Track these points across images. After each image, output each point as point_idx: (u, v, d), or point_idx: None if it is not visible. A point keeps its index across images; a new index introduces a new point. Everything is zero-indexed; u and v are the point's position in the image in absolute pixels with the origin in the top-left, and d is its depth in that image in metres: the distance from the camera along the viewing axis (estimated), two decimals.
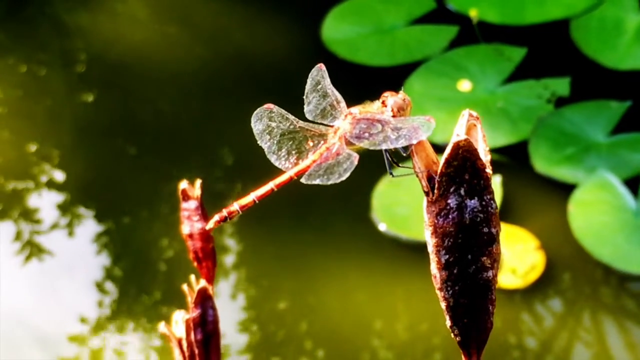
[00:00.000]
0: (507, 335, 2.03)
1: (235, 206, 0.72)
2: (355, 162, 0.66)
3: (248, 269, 2.23)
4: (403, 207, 2.20)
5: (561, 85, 2.43)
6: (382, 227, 2.18)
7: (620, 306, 2.10)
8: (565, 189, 2.22)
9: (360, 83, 2.46)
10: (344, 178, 0.66)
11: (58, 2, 2.77)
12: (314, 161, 0.69)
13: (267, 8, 2.78)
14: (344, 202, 2.26)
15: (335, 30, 2.63)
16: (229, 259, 2.23)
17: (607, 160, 2.27)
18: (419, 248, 2.14)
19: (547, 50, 2.58)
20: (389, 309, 2.12)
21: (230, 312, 2.12)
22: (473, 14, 2.59)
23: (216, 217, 0.72)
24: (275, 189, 0.71)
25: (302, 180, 0.68)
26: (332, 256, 2.20)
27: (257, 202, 0.72)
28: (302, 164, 0.70)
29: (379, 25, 2.65)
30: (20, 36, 2.75)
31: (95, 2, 2.79)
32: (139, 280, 2.21)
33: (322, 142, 0.70)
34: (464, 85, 2.44)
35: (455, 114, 2.29)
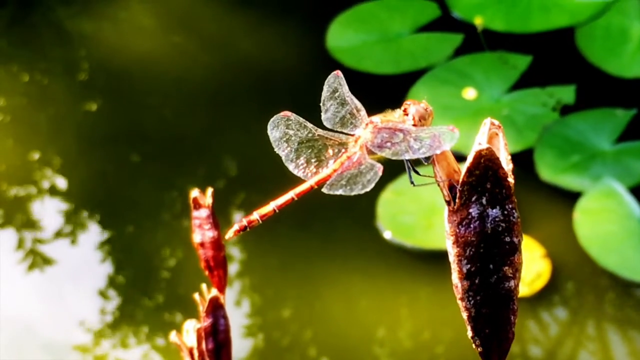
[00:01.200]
0: (513, 343, 2.02)
1: (255, 215, 0.71)
2: (380, 173, 0.65)
3: (253, 276, 2.23)
4: (408, 215, 2.19)
5: (566, 93, 2.43)
6: (387, 235, 2.17)
7: (625, 315, 2.10)
8: (571, 197, 2.21)
9: (366, 91, 2.45)
10: (368, 189, 0.65)
11: (61, 10, 2.77)
12: (335, 170, 0.68)
13: (272, 16, 2.78)
14: (349, 209, 2.26)
15: (340, 38, 2.63)
16: (234, 267, 2.22)
17: (613, 168, 2.26)
18: (424, 256, 2.14)
19: (552, 58, 2.58)
20: (394, 316, 2.11)
21: (235, 318, 2.11)
22: (478, 21, 2.59)
23: (235, 227, 0.71)
24: (296, 198, 0.71)
25: (324, 190, 0.68)
26: (337, 264, 2.19)
27: (277, 211, 0.72)
28: (323, 173, 0.69)
29: (384, 33, 2.65)
30: (23, 44, 2.75)
31: (98, 10, 2.79)
32: (142, 288, 2.20)
33: (342, 151, 0.69)
34: (469, 93, 2.43)
35: (460, 122, 2.29)
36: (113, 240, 2.28)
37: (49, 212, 2.34)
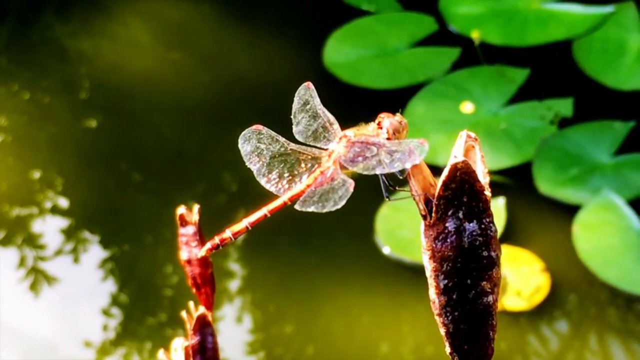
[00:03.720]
0: (513, 358, 2.02)
1: (227, 233, 0.71)
2: (351, 189, 0.65)
3: (253, 292, 2.22)
4: (407, 230, 2.19)
5: (564, 106, 2.42)
6: (385, 250, 2.17)
7: (626, 328, 2.09)
8: (570, 211, 2.21)
9: (363, 106, 2.46)
10: (339, 206, 0.65)
11: (60, 28, 2.78)
12: (308, 186, 0.68)
13: (269, 32, 2.78)
14: (348, 225, 2.25)
15: (337, 53, 2.63)
16: (233, 284, 2.22)
17: (612, 181, 2.26)
18: (423, 271, 2.13)
19: (549, 71, 2.58)
20: (394, 331, 2.11)
21: (235, 335, 2.11)
22: (475, 35, 2.59)
23: (208, 245, 0.71)
24: (269, 215, 0.70)
25: (297, 207, 0.67)
26: (336, 279, 2.19)
27: (250, 228, 0.71)
28: (296, 189, 0.68)
29: (381, 48, 2.65)
30: (23, 62, 2.76)
31: (97, 28, 2.79)
32: (144, 305, 2.20)
33: (315, 165, 0.69)
34: (467, 107, 2.43)
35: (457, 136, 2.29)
36: (114, 257, 2.28)
37: (50, 230, 2.34)
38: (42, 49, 2.74)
